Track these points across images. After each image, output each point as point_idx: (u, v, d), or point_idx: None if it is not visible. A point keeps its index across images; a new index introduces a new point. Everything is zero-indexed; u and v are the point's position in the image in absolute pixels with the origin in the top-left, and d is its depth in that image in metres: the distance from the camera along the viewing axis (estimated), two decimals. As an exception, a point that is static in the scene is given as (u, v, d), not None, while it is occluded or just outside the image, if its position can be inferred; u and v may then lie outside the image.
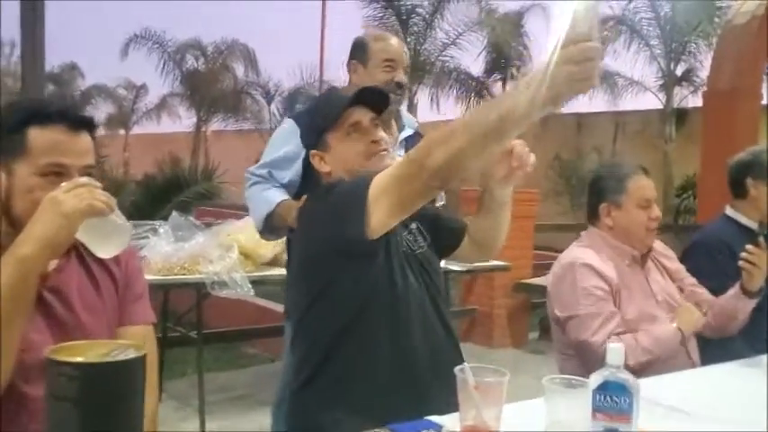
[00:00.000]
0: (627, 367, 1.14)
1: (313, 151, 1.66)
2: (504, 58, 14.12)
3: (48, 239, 1.16)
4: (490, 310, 5.87)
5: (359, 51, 2.41)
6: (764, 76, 7.82)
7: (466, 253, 1.85)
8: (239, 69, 19.59)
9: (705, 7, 11.52)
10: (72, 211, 1.16)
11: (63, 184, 1.21)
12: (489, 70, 14.52)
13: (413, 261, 1.63)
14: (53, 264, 1.30)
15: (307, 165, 2.19)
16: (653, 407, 1.42)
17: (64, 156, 1.26)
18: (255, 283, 3.51)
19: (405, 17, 13.50)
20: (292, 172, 2.27)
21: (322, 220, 1.52)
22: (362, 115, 1.63)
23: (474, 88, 14.48)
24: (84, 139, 1.30)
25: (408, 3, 13.43)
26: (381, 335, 1.52)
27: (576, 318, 2.04)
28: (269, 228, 2.31)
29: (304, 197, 1.73)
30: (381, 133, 1.64)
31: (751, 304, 2.20)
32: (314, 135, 1.66)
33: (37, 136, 1.25)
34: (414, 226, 1.72)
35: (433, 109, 13.79)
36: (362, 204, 1.40)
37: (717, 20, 11.06)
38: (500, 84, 14.62)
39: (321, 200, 1.56)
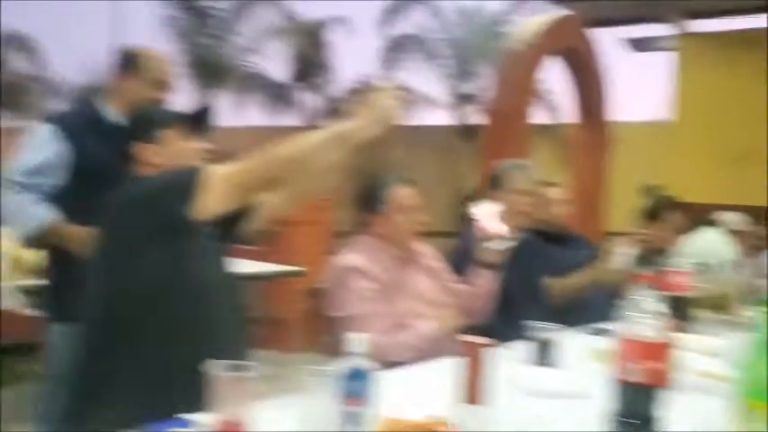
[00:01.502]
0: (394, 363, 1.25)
1: (146, 144, 1.79)
2: (307, 66, 14.32)
3: None
4: (286, 316, 5.91)
5: (130, 65, 2.40)
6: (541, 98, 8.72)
7: (270, 206, 1.91)
8: (19, 61, 17.91)
9: (491, 32, 12.64)
10: None
11: None
12: (294, 77, 14.63)
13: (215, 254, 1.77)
14: None
15: (82, 169, 2.25)
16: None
17: None
18: (28, 292, 3.27)
19: (202, 18, 13.25)
20: (55, 179, 2.27)
21: (140, 199, 1.64)
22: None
23: (278, 94, 14.51)
24: None
25: (204, 3, 13.21)
26: (182, 319, 1.60)
27: (350, 318, 2.20)
28: (35, 243, 2.32)
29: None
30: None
31: (489, 275, 2.45)
32: (150, 130, 1.81)
33: None
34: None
35: (234, 114, 13.57)
36: (191, 185, 1.56)
37: (501, 45, 12.13)
38: (304, 91, 14.81)
39: (139, 185, 1.71)
